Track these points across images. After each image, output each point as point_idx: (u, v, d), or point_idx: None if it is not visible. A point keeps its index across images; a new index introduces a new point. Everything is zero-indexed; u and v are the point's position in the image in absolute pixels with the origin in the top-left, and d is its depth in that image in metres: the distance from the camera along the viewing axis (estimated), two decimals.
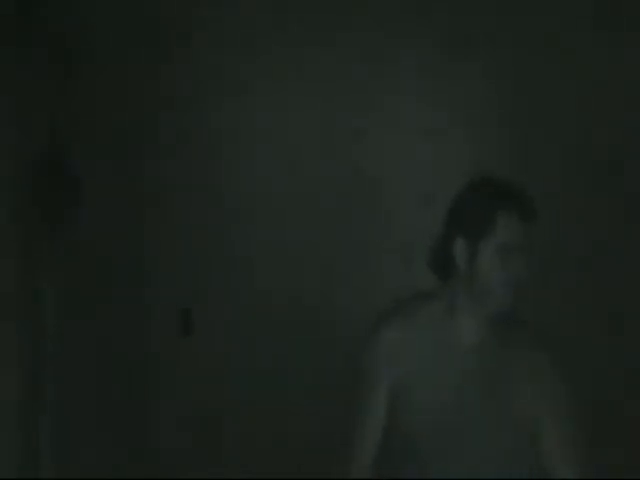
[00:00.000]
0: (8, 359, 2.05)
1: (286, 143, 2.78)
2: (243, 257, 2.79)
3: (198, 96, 2.79)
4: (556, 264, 2.60)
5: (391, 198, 2.74)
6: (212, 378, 2.80)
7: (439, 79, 2.70)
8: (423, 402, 1.57)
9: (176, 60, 2.79)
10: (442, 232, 1.59)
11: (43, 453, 2.27)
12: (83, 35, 2.50)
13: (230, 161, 2.81)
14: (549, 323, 2.36)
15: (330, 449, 1.98)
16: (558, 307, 2.60)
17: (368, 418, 1.66)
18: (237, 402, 2.79)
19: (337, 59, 2.74)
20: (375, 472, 1.67)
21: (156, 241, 2.81)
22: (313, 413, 2.70)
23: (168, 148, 2.81)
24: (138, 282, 2.80)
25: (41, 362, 2.25)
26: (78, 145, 2.47)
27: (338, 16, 2.72)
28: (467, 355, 1.57)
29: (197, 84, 2.80)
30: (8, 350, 2.05)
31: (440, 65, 2.69)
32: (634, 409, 2.57)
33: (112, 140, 2.69)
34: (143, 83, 2.77)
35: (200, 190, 2.81)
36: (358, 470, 1.67)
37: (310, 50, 2.75)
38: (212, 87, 2.80)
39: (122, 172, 2.73)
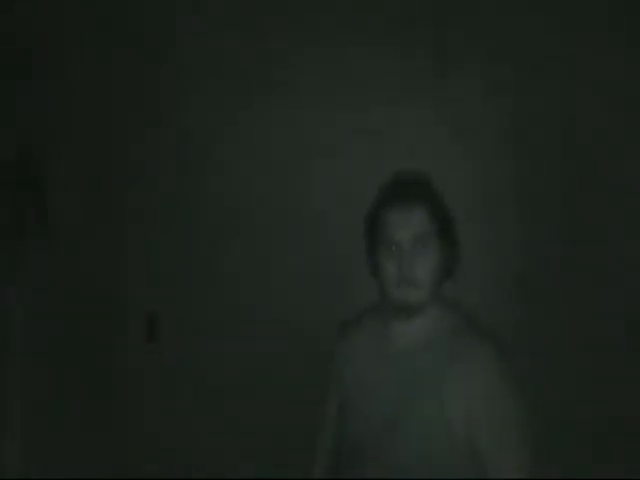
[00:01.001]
0: None
1: (264, 153, 2.76)
2: (215, 270, 2.79)
3: (176, 107, 2.80)
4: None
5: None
6: (180, 386, 2.80)
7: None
8: (363, 407, 1.57)
9: (153, 63, 2.80)
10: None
11: (9, 466, 2.32)
12: (45, 36, 2.53)
13: (204, 171, 2.80)
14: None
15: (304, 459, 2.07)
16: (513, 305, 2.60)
17: (326, 424, 1.73)
18: (207, 411, 2.79)
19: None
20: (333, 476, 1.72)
21: (124, 246, 2.81)
22: (284, 425, 2.69)
23: (137, 154, 2.81)
24: (106, 288, 2.80)
25: (7, 373, 2.29)
26: (45, 149, 2.52)
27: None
28: (401, 358, 1.54)
29: (177, 95, 2.80)
30: None
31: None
32: (584, 410, 2.56)
33: (79, 145, 2.72)
34: (112, 86, 2.78)
35: (168, 197, 2.79)
36: (319, 472, 1.74)
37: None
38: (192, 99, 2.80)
39: (90, 177, 2.76)
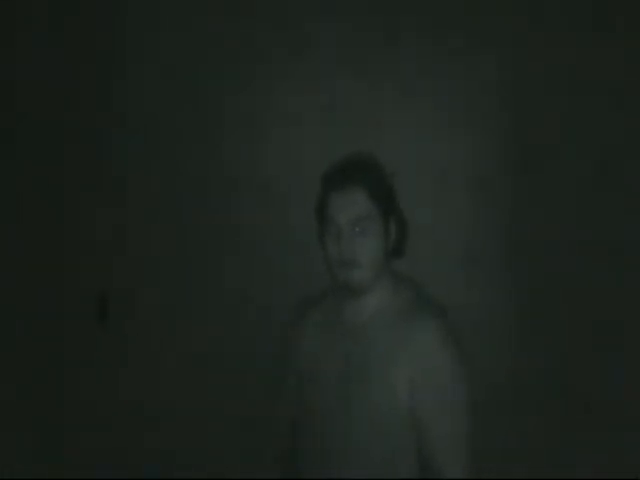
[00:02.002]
0: None
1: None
2: (174, 245, 2.75)
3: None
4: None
5: None
6: (133, 367, 2.76)
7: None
8: (317, 378, 1.61)
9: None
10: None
11: None
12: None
13: (152, 149, 2.75)
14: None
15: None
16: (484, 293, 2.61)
17: (284, 394, 1.76)
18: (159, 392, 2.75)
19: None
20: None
21: (75, 224, 2.76)
22: (245, 408, 2.68)
23: (84, 132, 2.75)
24: (56, 267, 2.75)
25: None
26: None
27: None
28: (353, 332, 1.58)
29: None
30: None
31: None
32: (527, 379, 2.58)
33: (33, 129, 2.68)
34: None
35: (123, 178, 2.74)
36: (277, 435, 1.77)
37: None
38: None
39: (41, 158, 2.71)
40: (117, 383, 2.75)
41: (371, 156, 1.62)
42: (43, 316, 2.74)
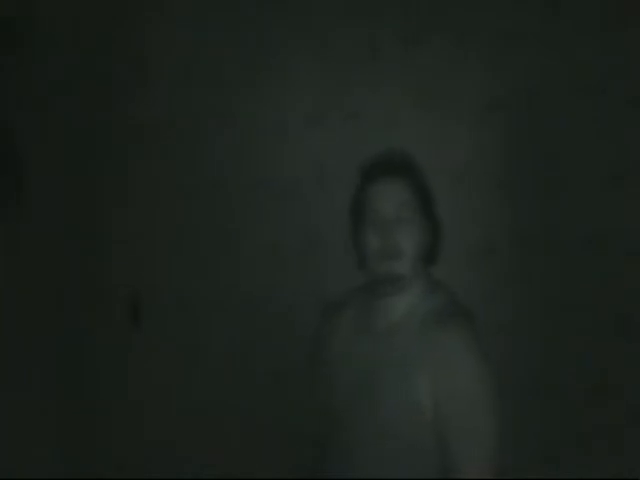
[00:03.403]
0: None
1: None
2: (199, 246, 2.76)
3: (156, 87, 2.77)
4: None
5: None
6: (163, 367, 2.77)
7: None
8: (342, 377, 1.60)
9: (130, 49, 2.77)
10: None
11: None
12: (26, 20, 2.49)
13: (181, 150, 2.77)
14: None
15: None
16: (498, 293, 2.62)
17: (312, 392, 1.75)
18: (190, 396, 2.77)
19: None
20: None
21: (108, 227, 2.78)
22: (268, 407, 2.70)
23: (115, 136, 2.78)
24: (88, 269, 2.76)
25: None
26: (24, 128, 2.47)
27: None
28: (380, 334, 1.56)
29: (157, 76, 2.78)
30: None
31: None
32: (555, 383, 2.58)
33: (59, 124, 2.68)
34: (91, 69, 2.75)
35: (151, 181, 2.76)
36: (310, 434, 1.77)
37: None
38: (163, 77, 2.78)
39: (70, 155, 2.72)
40: (148, 382, 2.77)
41: (410, 155, 1.62)
42: (76, 316, 2.75)
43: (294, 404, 1.94)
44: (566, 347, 2.57)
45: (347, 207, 1.66)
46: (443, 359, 1.46)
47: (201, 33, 2.75)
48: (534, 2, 2.59)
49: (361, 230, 1.55)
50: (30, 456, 2.36)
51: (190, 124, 2.75)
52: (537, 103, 2.60)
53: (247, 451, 2.73)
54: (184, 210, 2.76)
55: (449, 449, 1.46)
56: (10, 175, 2.36)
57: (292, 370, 2.66)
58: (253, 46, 2.72)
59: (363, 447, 1.53)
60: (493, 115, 2.62)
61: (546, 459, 2.58)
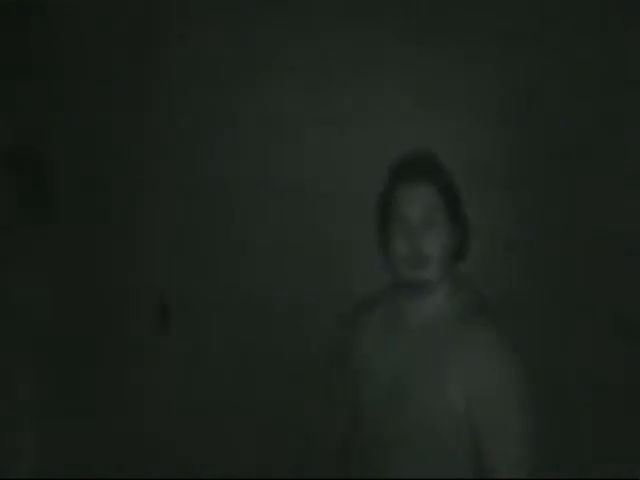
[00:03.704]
0: None
1: (272, 139, 2.75)
2: (224, 254, 2.77)
3: (173, 93, 2.78)
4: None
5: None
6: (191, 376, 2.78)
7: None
8: (373, 378, 1.60)
9: (149, 58, 2.78)
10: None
11: (24, 453, 2.27)
12: (49, 35, 2.50)
13: (208, 157, 2.78)
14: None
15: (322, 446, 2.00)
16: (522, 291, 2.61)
17: (342, 394, 1.76)
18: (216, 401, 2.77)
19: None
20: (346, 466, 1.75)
21: (132, 238, 2.78)
22: (297, 410, 2.68)
23: (143, 145, 2.78)
24: (114, 279, 2.77)
25: (17, 361, 2.25)
26: (46, 132, 2.48)
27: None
28: (411, 334, 1.56)
29: (173, 82, 2.79)
30: None
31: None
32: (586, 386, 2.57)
33: (81, 128, 2.69)
34: (113, 81, 2.76)
35: (178, 187, 2.77)
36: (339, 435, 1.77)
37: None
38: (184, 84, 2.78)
39: (99, 166, 2.73)
40: (177, 384, 2.78)
41: (436, 156, 1.62)
42: (105, 318, 2.76)
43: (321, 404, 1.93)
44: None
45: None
46: (471, 358, 1.46)
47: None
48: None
49: (388, 234, 1.56)
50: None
51: (219, 128, 2.75)
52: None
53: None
54: (212, 212, 2.76)
55: (483, 449, 1.46)
56: (36, 177, 2.36)
57: (322, 370, 2.63)
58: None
59: (395, 447, 1.54)
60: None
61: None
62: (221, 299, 2.76)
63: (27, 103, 2.41)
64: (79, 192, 2.69)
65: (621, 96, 2.56)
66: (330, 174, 2.71)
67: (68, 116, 2.68)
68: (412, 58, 2.66)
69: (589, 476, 2.47)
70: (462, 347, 1.48)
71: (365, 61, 2.68)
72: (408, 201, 1.52)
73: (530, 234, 2.61)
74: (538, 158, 2.62)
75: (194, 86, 2.76)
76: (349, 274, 2.69)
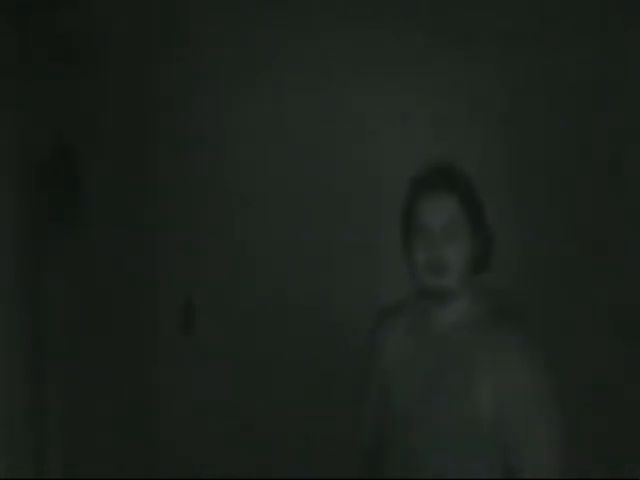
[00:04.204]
0: (10, 358, 2.06)
1: (286, 140, 2.76)
2: (247, 256, 2.78)
3: (199, 95, 2.78)
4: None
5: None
6: (214, 376, 2.79)
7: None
8: (402, 383, 1.62)
9: (176, 60, 2.78)
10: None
11: (49, 453, 2.27)
12: (87, 35, 2.51)
13: (232, 159, 2.79)
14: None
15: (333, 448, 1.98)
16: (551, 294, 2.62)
17: (369, 397, 1.75)
18: (239, 401, 2.78)
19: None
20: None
21: (159, 239, 2.80)
22: (315, 413, 2.69)
23: (170, 147, 2.80)
24: (141, 280, 2.78)
25: (43, 362, 2.25)
26: (82, 146, 2.48)
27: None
28: (436, 340, 1.58)
29: (198, 83, 2.78)
30: (9, 348, 2.06)
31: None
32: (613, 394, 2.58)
33: (115, 141, 2.69)
34: (145, 84, 2.77)
35: (203, 189, 2.79)
36: (364, 438, 1.78)
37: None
38: (212, 86, 2.79)
39: (125, 171, 2.73)
40: (202, 385, 2.79)
41: (460, 167, 1.63)
42: (131, 320, 2.76)
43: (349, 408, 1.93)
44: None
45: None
46: (498, 362, 1.48)
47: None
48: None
49: (410, 243, 1.58)
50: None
51: (250, 135, 2.75)
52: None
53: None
54: (239, 224, 2.77)
55: (512, 450, 1.48)
56: (66, 191, 2.36)
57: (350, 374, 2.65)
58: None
59: (424, 450, 1.55)
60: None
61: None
62: (241, 301, 2.77)
63: (59, 103, 2.41)
64: (110, 192, 2.69)
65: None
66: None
67: (101, 116, 2.68)
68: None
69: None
70: (491, 351, 1.50)
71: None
72: (428, 212, 1.54)
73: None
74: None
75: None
76: (372, 277, 2.71)
